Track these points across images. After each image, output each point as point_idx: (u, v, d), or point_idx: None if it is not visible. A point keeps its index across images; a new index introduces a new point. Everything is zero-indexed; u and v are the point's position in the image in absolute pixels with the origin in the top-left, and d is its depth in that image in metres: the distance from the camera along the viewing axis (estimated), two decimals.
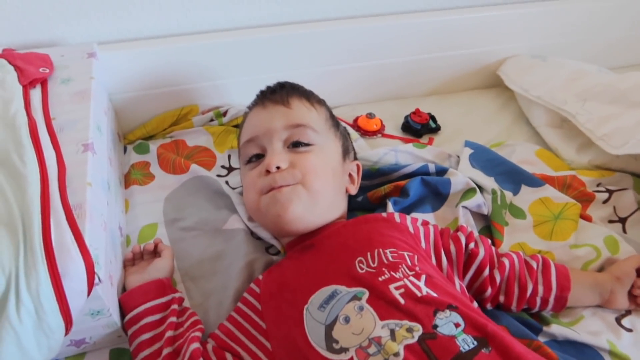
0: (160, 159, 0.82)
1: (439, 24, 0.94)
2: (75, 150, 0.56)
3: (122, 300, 0.59)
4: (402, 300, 0.49)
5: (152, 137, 0.88)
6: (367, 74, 0.98)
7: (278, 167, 0.62)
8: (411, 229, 0.62)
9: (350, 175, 0.71)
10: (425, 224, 0.65)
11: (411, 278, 0.52)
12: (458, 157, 0.85)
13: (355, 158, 0.76)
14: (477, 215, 0.75)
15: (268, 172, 0.62)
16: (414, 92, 1.04)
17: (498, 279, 0.61)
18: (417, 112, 0.96)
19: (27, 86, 0.63)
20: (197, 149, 0.86)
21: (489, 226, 0.74)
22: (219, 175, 0.81)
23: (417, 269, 0.54)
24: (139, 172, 0.81)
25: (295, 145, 0.65)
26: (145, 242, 0.69)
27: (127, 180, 0.80)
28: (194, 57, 0.85)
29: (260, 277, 0.62)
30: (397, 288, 0.50)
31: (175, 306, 0.60)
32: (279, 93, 0.70)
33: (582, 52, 1.06)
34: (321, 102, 0.73)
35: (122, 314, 0.59)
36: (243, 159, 0.69)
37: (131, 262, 0.66)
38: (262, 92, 0.72)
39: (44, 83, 0.66)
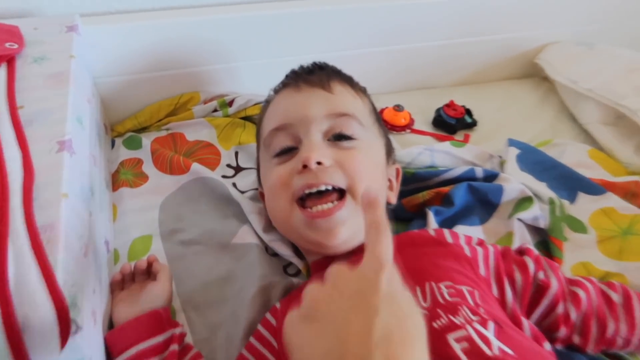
0: (155, 156, 0.74)
1: (471, 4, 0.87)
2: (48, 150, 0.47)
3: (109, 340, 0.49)
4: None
5: (145, 129, 0.81)
6: (392, 60, 0.91)
7: (319, 163, 0.51)
8: (467, 252, 0.52)
9: (389, 180, 0.61)
10: (481, 243, 0.55)
11: (476, 325, 0.41)
12: (500, 157, 0.76)
13: (395, 161, 0.66)
14: (530, 227, 0.65)
15: (305, 167, 0.52)
16: (443, 81, 0.99)
17: (573, 316, 0.51)
18: (451, 105, 0.87)
19: None
20: (199, 144, 0.78)
21: (543, 241, 0.65)
22: (224, 177, 0.74)
23: (482, 311, 0.43)
24: (129, 172, 0.73)
25: (337, 138, 0.55)
26: (137, 259, 0.61)
27: (115, 181, 0.71)
28: (196, 35, 0.77)
29: (278, 304, 0.53)
30: (458, 340, 0.40)
31: (175, 346, 0.50)
32: (318, 74, 0.59)
33: (630, 39, 0.98)
34: (365, 92, 0.63)
35: (109, 355, 0.49)
36: (270, 153, 0.58)
37: (120, 285, 0.56)
38: (294, 72, 0.62)
39: (10, 61, 0.57)
